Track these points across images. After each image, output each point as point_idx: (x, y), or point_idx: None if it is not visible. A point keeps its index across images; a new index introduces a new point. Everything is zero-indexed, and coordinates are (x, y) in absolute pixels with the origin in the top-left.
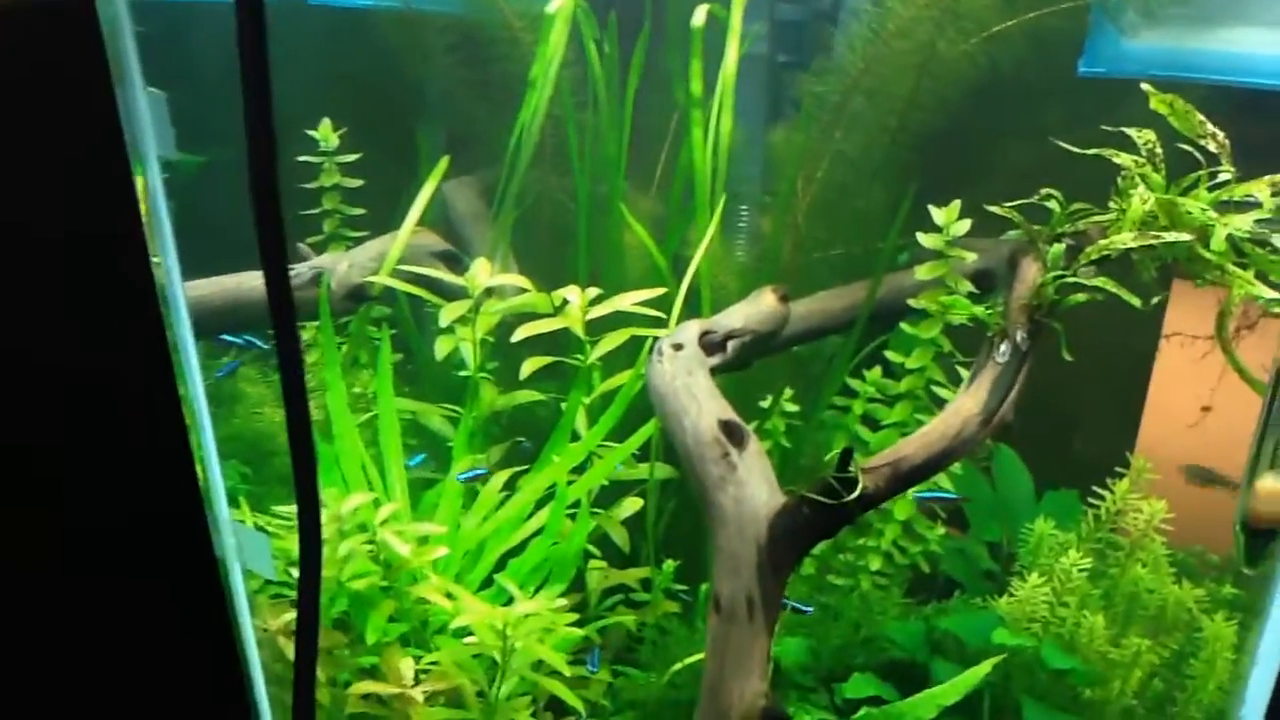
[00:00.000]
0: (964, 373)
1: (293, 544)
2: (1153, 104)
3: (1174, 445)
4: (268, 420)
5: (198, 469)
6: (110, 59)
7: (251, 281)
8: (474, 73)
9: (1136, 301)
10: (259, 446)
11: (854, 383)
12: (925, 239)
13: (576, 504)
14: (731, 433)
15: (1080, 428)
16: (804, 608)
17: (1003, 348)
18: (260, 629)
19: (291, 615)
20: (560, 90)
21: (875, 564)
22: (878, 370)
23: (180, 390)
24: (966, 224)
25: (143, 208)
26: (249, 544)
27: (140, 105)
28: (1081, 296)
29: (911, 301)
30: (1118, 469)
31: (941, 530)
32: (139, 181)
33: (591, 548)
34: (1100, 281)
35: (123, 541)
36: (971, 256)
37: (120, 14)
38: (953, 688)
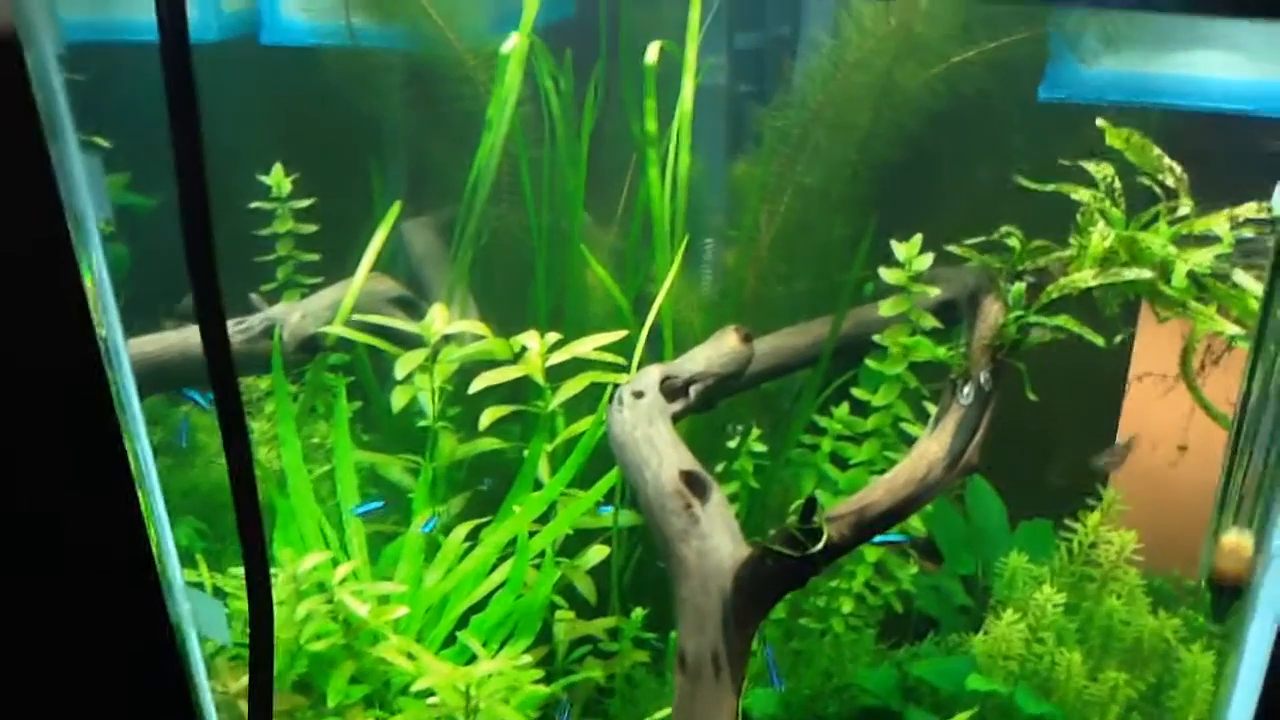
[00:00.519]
0: (931, 408)
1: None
2: (1109, 139)
3: (1146, 473)
4: (224, 471)
5: (150, 533)
6: (41, 115)
7: (198, 336)
8: (427, 111)
9: (1100, 340)
10: (215, 499)
11: (821, 420)
12: (888, 274)
13: (541, 554)
14: (694, 484)
15: (1052, 455)
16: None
17: (966, 389)
18: (219, 691)
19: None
20: (517, 128)
21: (847, 606)
22: (845, 407)
23: (129, 449)
24: (929, 258)
25: (86, 277)
26: (204, 609)
27: (75, 163)
28: (1045, 335)
29: (876, 338)
30: (1089, 500)
31: (914, 569)
32: (73, 237)
33: (557, 598)
34: (1063, 320)
35: (77, 604)
36: (934, 291)
37: (48, 64)
38: None
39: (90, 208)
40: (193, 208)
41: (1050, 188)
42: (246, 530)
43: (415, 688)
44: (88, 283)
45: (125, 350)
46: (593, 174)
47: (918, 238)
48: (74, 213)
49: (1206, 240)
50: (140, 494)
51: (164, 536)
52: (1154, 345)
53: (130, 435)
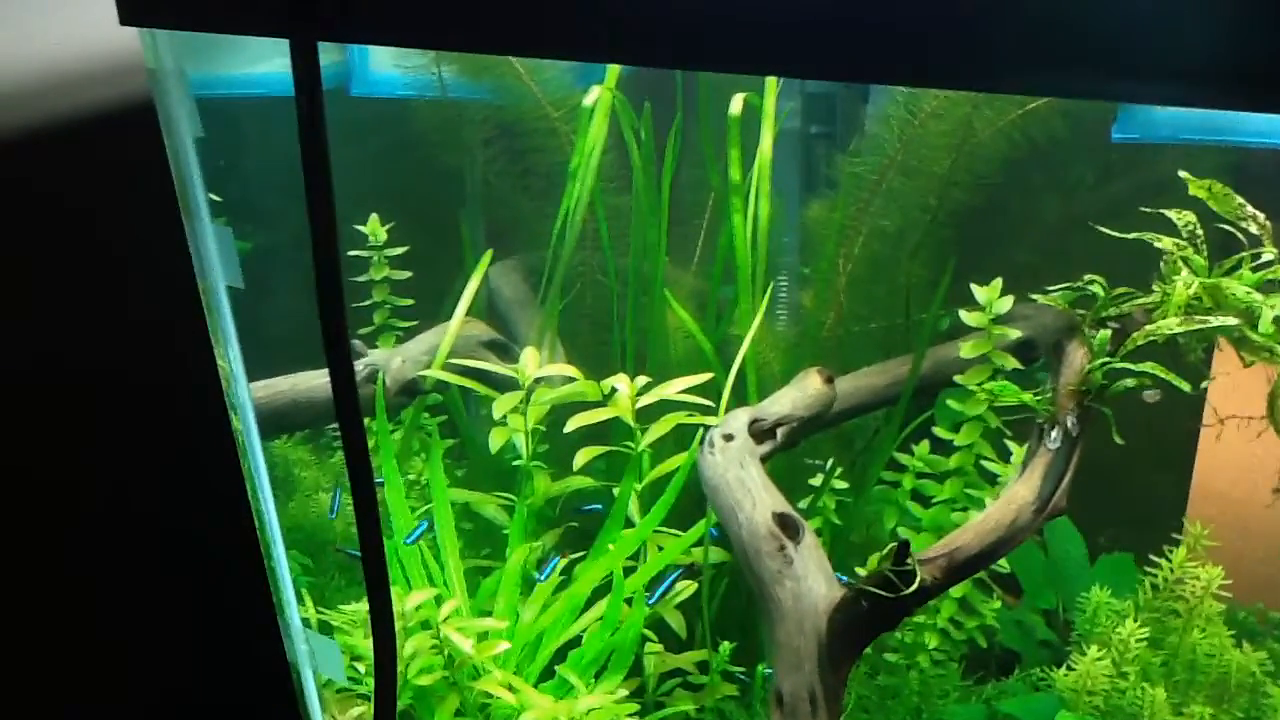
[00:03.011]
0: (1012, 446)
1: (359, 640)
2: (1191, 190)
3: (1226, 498)
4: (323, 506)
5: (270, 579)
6: (178, 193)
7: (307, 382)
8: (514, 162)
9: (1186, 386)
10: (316, 536)
11: (902, 458)
12: (968, 317)
13: (634, 592)
14: (786, 525)
15: (1130, 487)
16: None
17: (1053, 434)
18: None
19: (359, 710)
20: (600, 177)
21: (933, 642)
22: (925, 445)
23: (250, 496)
24: (1009, 301)
25: (209, 322)
26: (320, 649)
27: (208, 237)
28: (1130, 382)
29: (958, 378)
30: (1173, 534)
31: (997, 603)
32: (204, 298)
33: (648, 632)
34: (1149, 367)
35: (196, 643)
36: (1015, 333)
37: (186, 147)
38: None
39: (221, 273)
40: (325, 259)
41: (1132, 235)
42: (371, 569)
43: None
44: (214, 338)
45: (250, 400)
46: (672, 219)
47: (998, 281)
48: (204, 278)
49: None
50: (261, 540)
51: (283, 580)
52: (1229, 389)
53: (252, 480)
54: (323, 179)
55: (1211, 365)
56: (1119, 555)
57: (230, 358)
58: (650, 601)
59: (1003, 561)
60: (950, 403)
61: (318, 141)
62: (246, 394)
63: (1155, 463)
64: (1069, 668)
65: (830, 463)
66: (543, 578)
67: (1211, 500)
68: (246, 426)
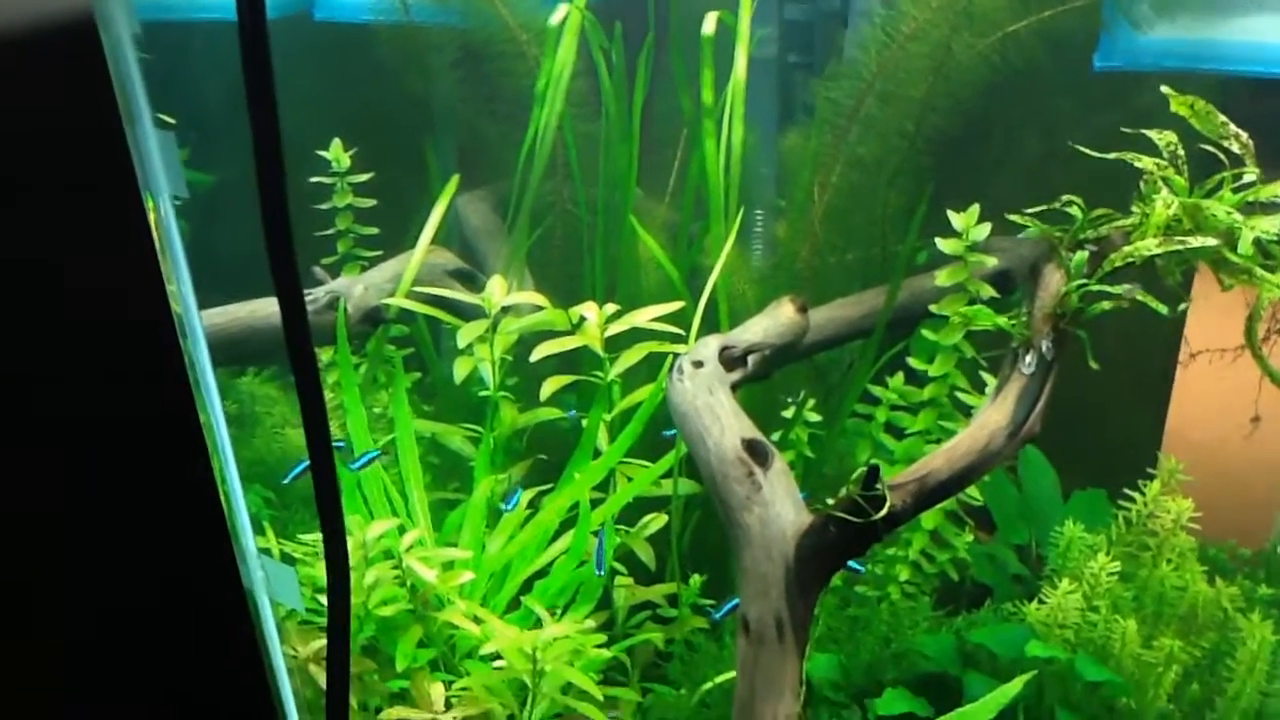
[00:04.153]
0: (988, 378)
1: (319, 571)
2: (1173, 106)
3: (1199, 440)
4: (289, 441)
5: (224, 503)
6: (118, 96)
7: (265, 309)
8: (480, 86)
9: (1164, 309)
10: (281, 470)
11: (876, 390)
12: (944, 244)
13: (601, 523)
14: (755, 452)
15: (1104, 423)
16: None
17: (1028, 359)
18: (290, 656)
19: (321, 642)
20: (570, 102)
21: (904, 574)
22: (900, 377)
23: (202, 420)
24: (986, 228)
25: (156, 238)
26: (276, 576)
27: (150, 143)
28: (1107, 304)
29: (933, 308)
30: (1148, 469)
31: (970, 537)
32: (150, 214)
33: (618, 565)
34: (1133, 287)
35: (149, 574)
36: (992, 261)
37: (124, 45)
38: (984, 706)
39: (165, 185)
40: (270, 182)
41: (1112, 155)
42: (324, 498)
43: (482, 651)
44: (161, 258)
45: (200, 324)
46: (644, 147)
47: (975, 207)
48: (149, 190)
49: (1272, 208)
50: (215, 464)
51: (238, 506)
52: (1210, 314)
53: (204, 407)
54: (265, 83)
55: (1190, 290)
56: (1092, 490)
57: (179, 278)
58: (599, 572)
59: (976, 495)
60: (924, 332)
61: (260, 49)
62: (197, 318)
63: (1131, 399)
64: (1040, 601)
65: (802, 395)
66: (509, 507)
67: (1187, 445)
68: (198, 351)
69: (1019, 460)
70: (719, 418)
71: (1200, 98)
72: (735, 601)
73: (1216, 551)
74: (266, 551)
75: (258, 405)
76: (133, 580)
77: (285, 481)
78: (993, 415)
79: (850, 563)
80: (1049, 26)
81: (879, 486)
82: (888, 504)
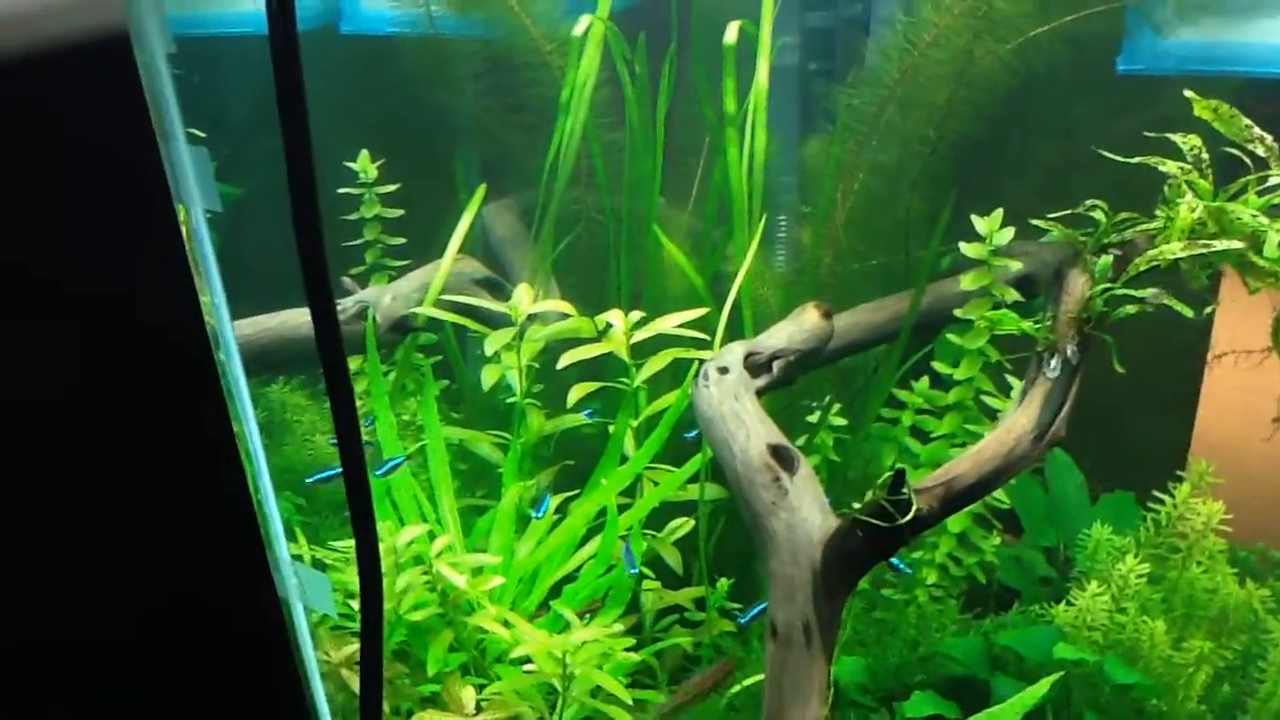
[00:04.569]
0: (1013, 381)
1: (351, 576)
2: (1196, 110)
3: (1228, 444)
4: (319, 449)
5: (257, 511)
6: (152, 113)
7: (295, 320)
8: (505, 97)
9: (1189, 312)
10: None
11: (901, 394)
12: (968, 249)
13: (629, 528)
14: (781, 457)
15: (1131, 426)
16: (902, 567)
17: (1053, 362)
18: (323, 661)
19: (353, 647)
20: (593, 112)
21: (931, 577)
22: (925, 380)
23: (235, 430)
24: (1010, 232)
25: (189, 251)
26: (309, 582)
27: (184, 159)
28: (1131, 308)
29: (958, 312)
30: (1177, 472)
31: (997, 540)
32: (184, 226)
33: (645, 569)
34: (1158, 292)
35: (183, 581)
36: (1016, 265)
37: (158, 64)
38: (1010, 708)
39: (198, 199)
40: (302, 192)
41: (1136, 160)
42: (356, 504)
43: (512, 655)
44: (195, 272)
45: (233, 334)
46: (668, 156)
47: (998, 212)
48: (184, 204)
49: None
50: (248, 473)
51: (271, 514)
52: (1238, 318)
53: (237, 417)
54: (297, 95)
55: (1218, 293)
56: (1120, 494)
57: (212, 289)
58: (632, 571)
59: (1003, 498)
60: (949, 336)
61: (291, 59)
62: (229, 328)
63: (1158, 402)
64: (1068, 603)
65: (827, 400)
66: (539, 514)
67: (1213, 447)
68: (230, 361)
69: (1046, 463)
70: (744, 423)
71: (1224, 101)
72: (763, 605)
73: (1247, 554)
74: (299, 558)
75: (288, 413)
76: (166, 587)
77: (309, 481)
78: (1018, 419)
79: (894, 561)
80: (1071, 31)
81: (905, 491)
82: (914, 508)
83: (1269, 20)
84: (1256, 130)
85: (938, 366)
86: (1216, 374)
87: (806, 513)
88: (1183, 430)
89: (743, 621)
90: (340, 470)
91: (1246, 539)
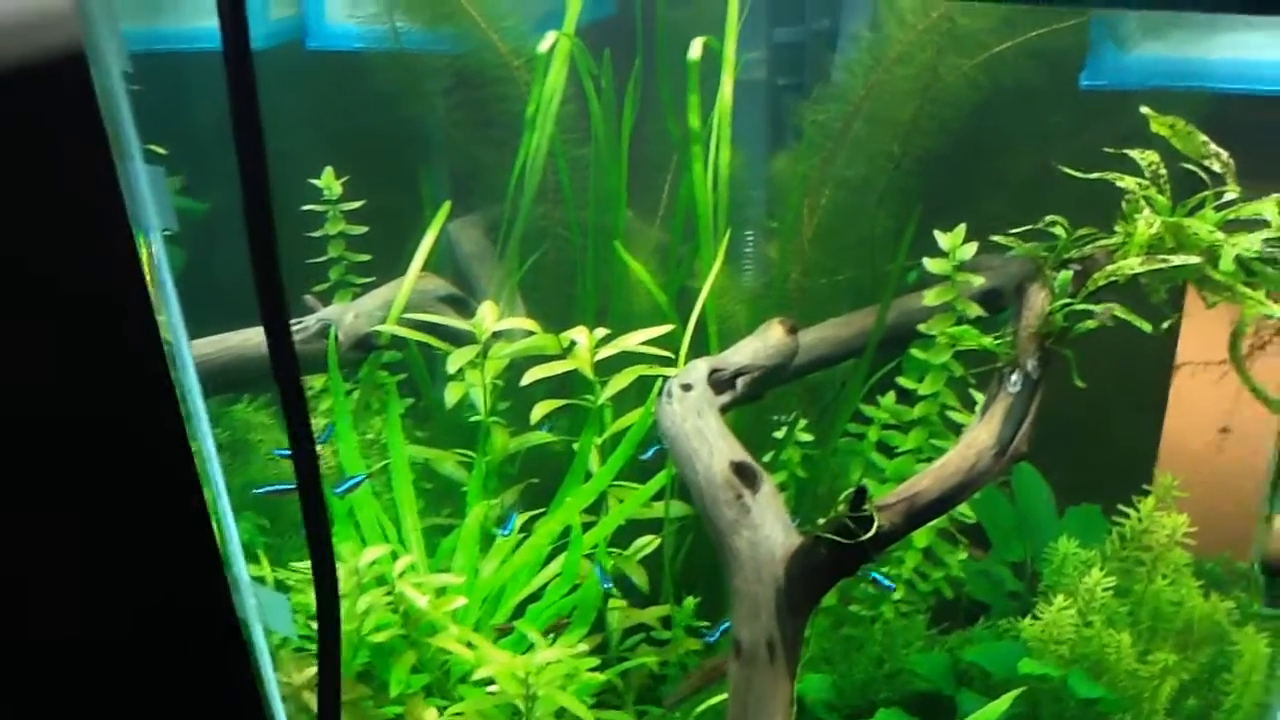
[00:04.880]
0: (978, 396)
1: (311, 597)
2: (1154, 127)
3: (1196, 452)
4: (283, 467)
5: (215, 531)
6: (109, 131)
7: (257, 338)
8: (473, 112)
9: (1147, 327)
10: (276, 499)
11: (867, 409)
12: (931, 264)
13: (594, 546)
14: (744, 474)
15: (1097, 437)
16: (886, 582)
17: (1014, 378)
18: (284, 683)
19: (314, 669)
20: (559, 128)
21: (898, 593)
22: (891, 396)
23: (193, 448)
24: (973, 248)
25: (146, 270)
26: (269, 604)
27: (141, 180)
28: (1091, 323)
29: (921, 327)
30: (1143, 486)
31: (963, 554)
32: (142, 248)
33: (611, 588)
34: (1110, 308)
35: (141, 602)
36: (979, 280)
37: (115, 82)
38: None
39: (155, 218)
40: (257, 209)
41: (1094, 176)
42: (312, 525)
43: (475, 676)
44: (152, 289)
45: (189, 352)
46: (635, 171)
47: (961, 227)
48: (139, 223)
49: (1254, 225)
50: (206, 492)
51: (229, 534)
52: (1200, 331)
53: (195, 435)
54: (251, 114)
55: (1183, 305)
56: (1087, 506)
57: (170, 310)
58: (606, 585)
59: (969, 513)
60: (914, 351)
61: (245, 72)
62: (187, 348)
63: (1124, 413)
64: (1034, 617)
65: (794, 415)
66: (505, 532)
67: (1181, 457)
68: (187, 380)
69: (1012, 477)
70: (707, 440)
71: (1185, 115)
72: (727, 624)
73: (1213, 565)
74: (261, 579)
75: (251, 433)
76: (124, 609)
77: (257, 493)
78: (979, 434)
79: (876, 576)
80: (1036, 46)
81: (867, 507)
82: (876, 524)
83: (1234, 34)
84: (1213, 146)
85: (904, 382)
86: (1183, 383)
87: (769, 530)
88: (1150, 440)
89: (710, 639)
90: (293, 486)
91: (1213, 547)
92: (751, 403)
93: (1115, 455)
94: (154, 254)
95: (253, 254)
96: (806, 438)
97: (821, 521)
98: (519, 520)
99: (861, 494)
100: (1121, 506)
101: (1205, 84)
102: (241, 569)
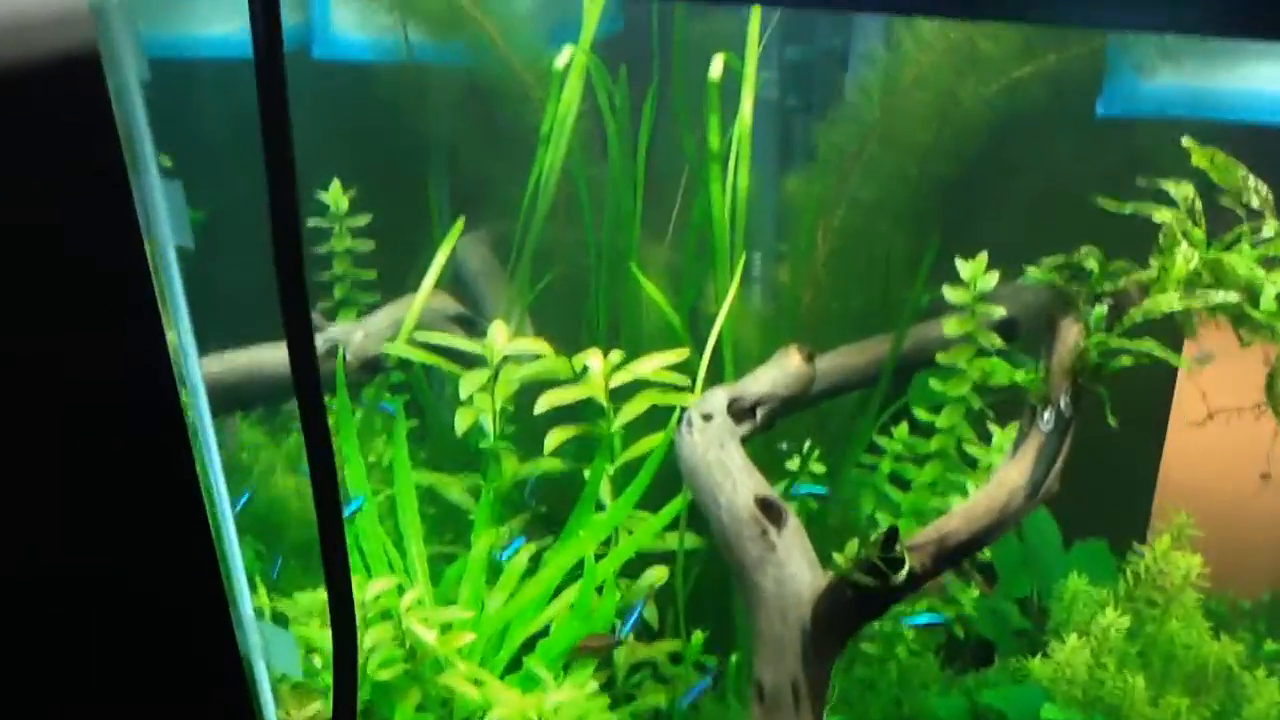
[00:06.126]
0: (994, 428)
1: (314, 631)
2: (1194, 159)
3: (1193, 486)
4: (279, 487)
5: (220, 564)
6: (123, 142)
7: (265, 357)
8: (484, 127)
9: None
10: (270, 519)
11: (881, 440)
12: (951, 293)
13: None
14: (769, 510)
15: (1096, 470)
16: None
17: (1046, 415)
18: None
19: (316, 705)
20: (573, 145)
21: (910, 632)
22: (904, 427)
23: (200, 474)
24: (994, 277)
25: (156, 286)
26: (274, 642)
27: (156, 193)
28: (1127, 360)
29: (941, 358)
30: (1150, 519)
31: (976, 592)
32: (151, 262)
33: (618, 621)
34: (1146, 345)
35: (143, 632)
36: (1000, 311)
37: (131, 92)
38: None
39: (169, 234)
40: (284, 224)
41: (1129, 208)
42: (331, 563)
43: (488, 718)
44: (162, 306)
45: (200, 373)
46: (647, 190)
47: (983, 255)
48: (153, 238)
49: None
50: (211, 522)
51: (235, 570)
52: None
53: (202, 460)
54: (281, 127)
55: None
56: (1093, 541)
57: (179, 328)
58: (624, 631)
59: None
60: (932, 383)
61: (276, 83)
62: (197, 367)
63: (1122, 447)
64: (1044, 655)
65: (808, 446)
66: (504, 557)
67: (1179, 490)
68: (196, 402)
69: None
70: (730, 473)
71: (1219, 146)
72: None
73: (1217, 604)
74: (259, 611)
75: (244, 452)
76: (125, 639)
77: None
78: (1010, 474)
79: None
80: (1056, 71)
81: (898, 548)
82: (907, 565)
83: (1253, 65)
84: (1252, 180)
85: (916, 412)
86: (1180, 418)
87: (795, 569)
88: (1148, 473)
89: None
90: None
91: (1214, 584)
92: (765, 432)
93: (1113, 488)
94: (165, 270)
95: (279, 271)
96: (818, 469)
97: (839, 558)
98: (526, 550)
99: (893, 535)
100: (1125, 537)
101: (1221, 114)
102: (246, 605)
